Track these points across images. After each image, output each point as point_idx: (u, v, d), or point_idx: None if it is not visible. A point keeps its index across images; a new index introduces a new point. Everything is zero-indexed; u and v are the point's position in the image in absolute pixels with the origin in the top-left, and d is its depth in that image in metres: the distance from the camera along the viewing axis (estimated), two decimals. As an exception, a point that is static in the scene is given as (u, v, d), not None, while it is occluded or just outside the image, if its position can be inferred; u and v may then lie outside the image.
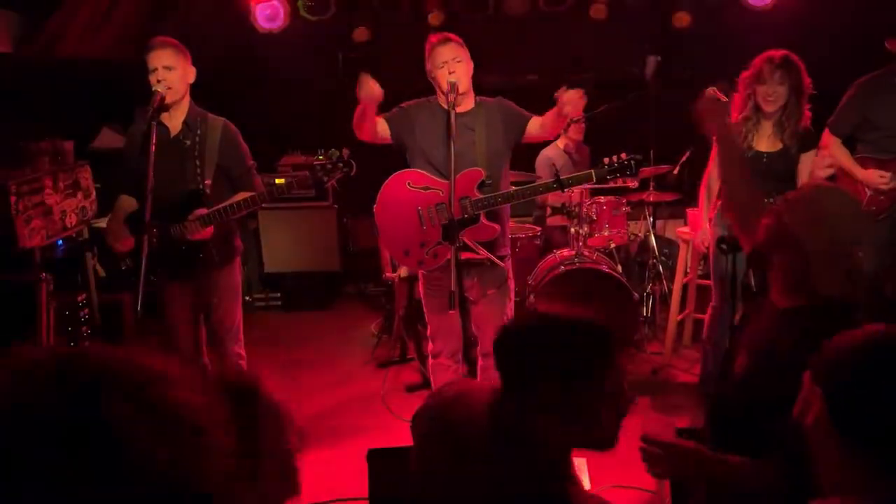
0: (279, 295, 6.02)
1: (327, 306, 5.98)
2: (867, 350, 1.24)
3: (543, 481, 1.52)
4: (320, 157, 3.07)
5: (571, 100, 3.13)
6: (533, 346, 1.52)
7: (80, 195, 4.82)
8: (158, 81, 3.10)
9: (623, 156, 3.14)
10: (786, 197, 2.01)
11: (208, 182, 3.20)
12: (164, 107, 3.14)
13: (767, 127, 3.65)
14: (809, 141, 3.68)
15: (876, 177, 3.92)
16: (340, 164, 3.04)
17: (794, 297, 1.93)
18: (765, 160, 3.62)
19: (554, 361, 1.48)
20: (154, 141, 3.02)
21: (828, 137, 4.01)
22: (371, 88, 3.17)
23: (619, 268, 4.62)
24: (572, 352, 1.48)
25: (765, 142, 3.66)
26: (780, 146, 3.64)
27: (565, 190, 3.17)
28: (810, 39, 5.34)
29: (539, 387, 1.49)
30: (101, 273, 5.02)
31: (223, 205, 3.14)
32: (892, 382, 1.18)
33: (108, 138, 5.28)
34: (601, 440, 1.56)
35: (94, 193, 4.94)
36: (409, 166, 3.45)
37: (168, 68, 3.11)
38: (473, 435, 1.59)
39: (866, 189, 3.99)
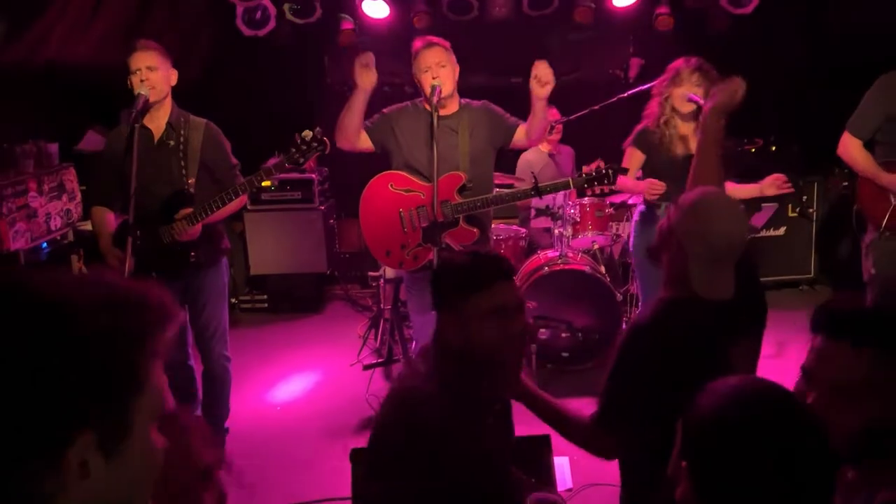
0: (265, 297, 6.02)
1: (314, 308, 5.99)
2: (730, 424, 1.11)
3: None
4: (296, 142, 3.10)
5: (540, 72, 3.17)
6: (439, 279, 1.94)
7: (64, 197, 4.82)
8: (142, 81, 3.12)
9: (601, 164, 3.17)
10: (676, 200, 2.12)
11: (192, 181, 3.22)
12: (146, 109, 3.16)
13: (684, 129, 3.62)
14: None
15: None
16: (314, 144, 3.07)
17: (674, 290, 2.07)
18: (687, 162, 3.46)
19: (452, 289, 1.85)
20: (137, 143, 3.05)
21: (848, 140, 3.74)
22: (372, 73, 3.24)
23: (602, 269, 4.66)
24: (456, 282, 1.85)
25: (681, 145, 3.62)
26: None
27: (542, 196, 3.21)
28: (790, 44, 5.44)
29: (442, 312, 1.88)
30: (87, 276, 5.01)
31: (207, 202, 3.15)
32: (758, 461, 1.07)
33: (94, 140, 5.28)
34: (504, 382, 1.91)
35: (78, 196, 4.94)
36: (392, 168, 3.49)
37: (151, 69, 3.14)
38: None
39: (891, 197, 3.65)
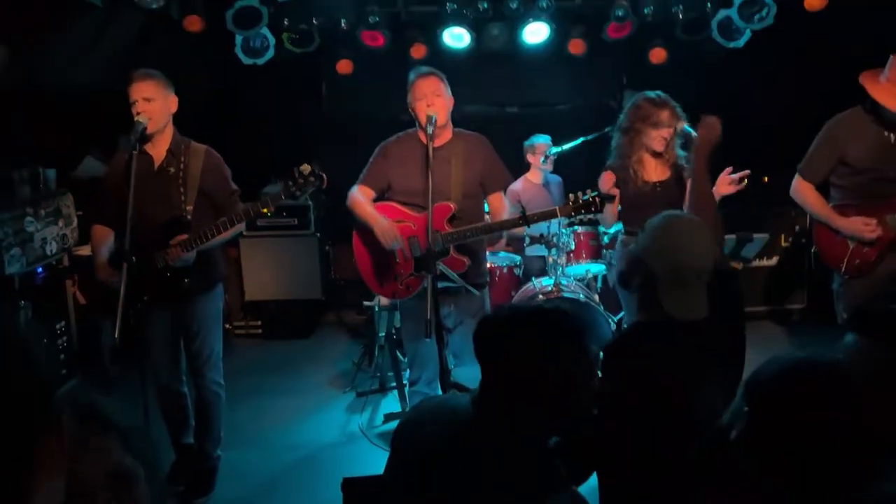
0: (259, 323, 6.02)
1: (308, 334, 5.98)
2: (787, 379, 1.35)
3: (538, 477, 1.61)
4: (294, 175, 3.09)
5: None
6: (506, 333, 1.66)
7: (61, 222, 4.83)
8: (138, 113, 3.15)
9: (589, 192, 3.15)
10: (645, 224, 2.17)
11: (189, 208, 3.24)
12: (146, 137, 3.19)
13: (649, 159, 3.62)
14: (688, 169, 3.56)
15: (860, 224, 3.49)
16: (311, 178, 3.07)
17: (647, 314, 2.12)
18: (658, 189, 3.58)
19: (525, 347, 1.62)
20: (135, 170, 3.07)
21: (800, 184, 3.69)
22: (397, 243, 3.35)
23: (597, 297, 4.68)
24: (541, 337, 1.62)
25: (652, 172, 3.61)
26: (668, 174, 3.62)
27: (530, 225, 3.23)
28: (783, 77, 5.52)
29: (513, 371, 1.62)
30: (82, 300, 5.00)
31: (203, 229, 3.16)
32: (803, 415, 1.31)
33: (91, 166, 5.31)
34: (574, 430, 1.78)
35: (75, 221, 4.95)
36: (389, 195, 3.52)
37: (147, 100, 3.17)
38: (446, 435, 1.68)
39: (848, 242, 3.56)
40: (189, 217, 3.22)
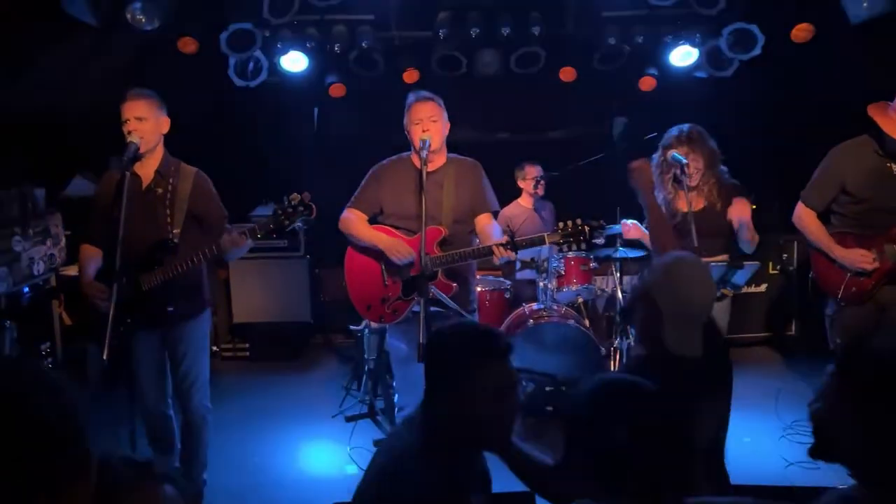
0: (247, 345, 5.97)
1: (297, 357, 5.94)
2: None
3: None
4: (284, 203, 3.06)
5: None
6: (442, 347, 1.89)
7: (49, 242, 4.80)
8: (129, 132, 3.12)
9: (578, 221, 3.16)
10: (652, 263, 2.26)
11: (176, 231, 3.19)
12: (137, 157, 3.17)
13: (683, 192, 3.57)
14: (733, 193, 3.61)
15: (858, 256, 3.53)
16: (301, 208, 3.04)
17: (646, 346, 2.23)
18: (689, 218, 3.49)
19: (458, 356, 1.83)
20: (126, 190, 3.02)
21: (801, 210, 3.73)
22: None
23: (587, 322, 4.68)
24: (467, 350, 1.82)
25: (684, 202, 3.52)
26: (702, 204, 3.62)
27: (518, 250, 3.23)
28: (771, 105, 5.60)
29: (445, 377, 1.85)
30: (68, 321, 4.96)
31: (179, 261, 3.12)
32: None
33: (80, 186, 5.29)
34: (497, 438, 1.92)
35: (63, 241, 4.93)
36: (382, 218, 3.53)
37: (139, 119, 3.14)
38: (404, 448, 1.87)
39: (846, 272, 3.59)
40: (176, 240, 3.18)
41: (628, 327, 3.67)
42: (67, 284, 4.85)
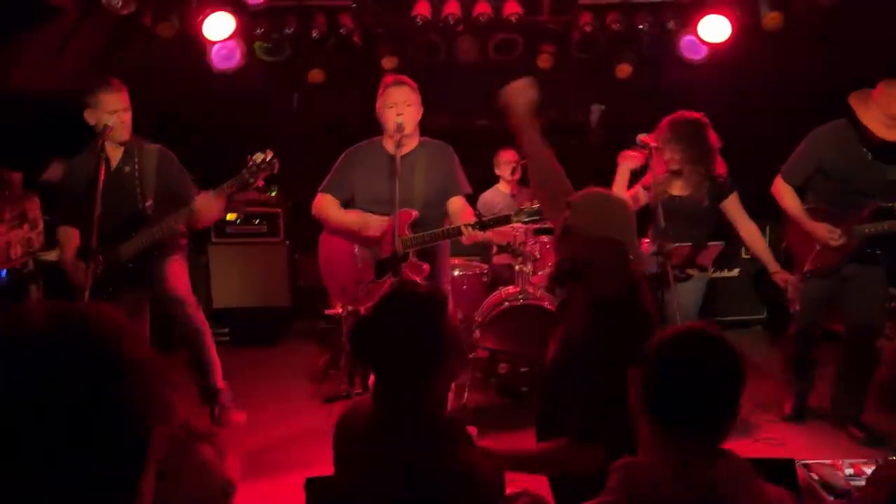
0: (227, 330, 5.99)
1: (276, 342, 5.98)
2: (667, 347, 1.53)
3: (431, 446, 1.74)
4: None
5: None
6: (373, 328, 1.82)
7: (26, 227, 4.79)
8: (122, 122, 3.38)
9: None
10: (571, 199, 2.22)
11: (149, 203, 3.43)
12: (111, 139, 3.39)
13: (673, 178, 3.79)
14: (725, 190, 3.78)
15: (825, 231, 3.78)
16: (263, 165, 3.29)
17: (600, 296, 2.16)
18: (676, 201, 3.75)
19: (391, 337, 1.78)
20: (102, 171, 3.28)
21: (780, 184, 3.97)
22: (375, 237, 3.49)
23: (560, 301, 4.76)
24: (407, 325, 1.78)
25: (677, 187, 3.79)
26: (686, 192, 3.78)
27: (486, 230, 3.33)
28: (746, 90, 5.68)
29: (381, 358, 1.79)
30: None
31: (151, 228, 3.41)
32: (671, 371, 1.50)
33: (58, 171, 5.27)
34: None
35: (41, 225, 4.91)
36: (355, 203, 3.58)
37: (126, 110, 3.39)
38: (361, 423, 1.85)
39: (815, 243, 3.86)
40: (148, 211, 3.44)
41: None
42: (46, 269, 4.85)
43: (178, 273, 3.69)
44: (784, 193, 3.95)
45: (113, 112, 3.36)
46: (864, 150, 3.75)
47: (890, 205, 3.77)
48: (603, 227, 2.13)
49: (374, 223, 3.39)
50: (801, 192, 3.99)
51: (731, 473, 1.46)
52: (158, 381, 0.89)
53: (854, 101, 3.69)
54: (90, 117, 3.37)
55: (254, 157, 3.33)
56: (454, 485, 1.69)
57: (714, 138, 3.74)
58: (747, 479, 1.49)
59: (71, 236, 3.51)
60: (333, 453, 1.95)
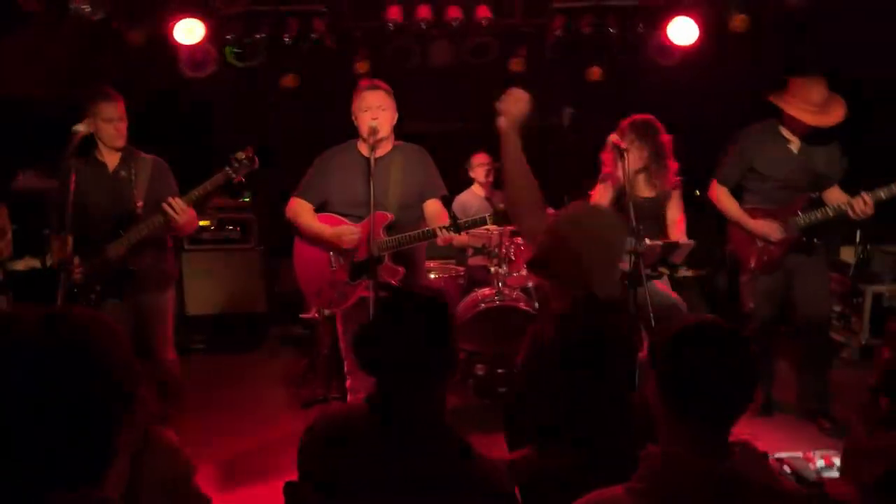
0: (202, 337, 5.95)
1: (252, 348, 5.95)
2: (684, 341, 1.53)
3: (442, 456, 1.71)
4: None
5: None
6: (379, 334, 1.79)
7: (-5, 235, 4.72)
8: (117, 130, 3.55)
9: None
10: (559, 214, 2.29)
11: (140, 203, 3.56)
12: (93, 145, 3.54)
13: (641, 179, 3.92)
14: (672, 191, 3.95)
15: (766, 227, 4.01)
16: (245, 162, 3.43)
17: (570, 300, 2.20)
18: (646, 205, 3.86)
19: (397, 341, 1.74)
20: (89, 176, 3.52)
21: (716, 188, 4.20)
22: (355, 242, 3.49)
23: (537, 305, 4.79)
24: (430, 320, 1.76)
25: (643, 188, 3.92)
26: (654, 193, 3.93)
27: (461, 232, 3.36)
28: (711, 93, 5.79)
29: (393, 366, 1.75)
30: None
31: (138, 226, 3.50)
32: (690, 364, 1.50)
33: (29, 179, 5.21)
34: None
35: (9, 234, 4.84)
36: (329, 206, 3.58)
37: (122, 119, 3.57)
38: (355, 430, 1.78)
39: (757, 241, 4.08)
40: (139, 212, 3.55)
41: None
42: (16, 279, 4.78)
43: (164, 306, 3.77)
44: (721, 196, 4.17)
45: (109, 121, 3.52)
46: (789, 146, 4.02)
47: (818, 194, 4.01)
48: (580, 241, 2.20)
49: (348, 237, 3.40)
50: (736, 195, 4.22)
51: (750, 461, 1.49)
52: (136, 381, 0.99)
53: (776, 99, 3.96)
54: (88, 125, 3.48)
55: (236, 155, 3.46)
56: (469, 493, 1.66)
57: (666, 138, 3.89)
58: (765, 466, 1.52)
59: (61, 243, 3.54)
60: (304, 461, 1.88)
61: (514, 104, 2.62)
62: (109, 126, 3.53)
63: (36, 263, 4.75)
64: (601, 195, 3.92)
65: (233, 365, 5.61)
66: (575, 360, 2.10)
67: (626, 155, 3.50)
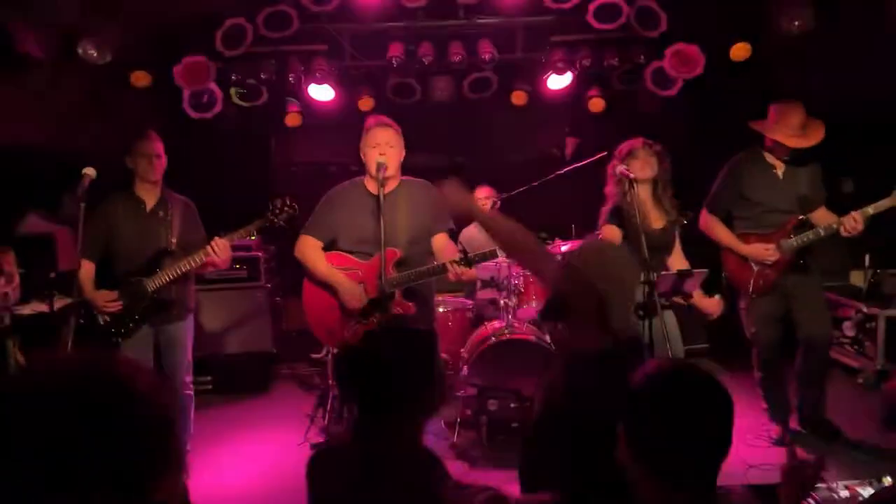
0: (210, 378, 5.89)
1: (261, 388, 5.89)
2: (646, 393, 1.49)
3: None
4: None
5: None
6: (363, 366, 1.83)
7: (2, 280, 4.70)
8: (153, 166, 3.84)
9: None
10: (572, 251, 2.28)
11: (174, 241, 3.85)
12: (129, 183, 3.91)
13: (647, 204, 3.93)
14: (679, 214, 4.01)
15: (760, 251, 4.11)
16: (287, 208, 3.58)
17: (592, 336, 2.18)
18: (657, 235, 3.89)
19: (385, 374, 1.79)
20: (121, 212, 3.85)
21: (707, 217, 4.29)
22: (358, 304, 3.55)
23: (548, 338, 4.76)
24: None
25: (653, 220, 3.94)
26: (664, 223, 3.96)
27: (473, 266, 3.34)
28: (712, 123, 5.81)
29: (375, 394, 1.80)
30: (23, 362, 4.85)
31: (177, 263, 3.76)
32: (659, 418, 1.44)
33: (35, 224, 5.22)
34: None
35: (17, 279, 4.82)
36: (338, 244, 3.57)
37: (159, 156, 3.88)
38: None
39: (753, 265, 4.18)
40: (174, 248, 3.84)
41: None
42: (23, 324, 4.75)
43: (187, 334, 4.03)
44: (713, 224, 4.28)
45: (146, 156, 3.80)
46: (775, 170, 4.18)
47: (807, 217, 4.14)
48: (597, 277, 2.19)
49: (352, 297, 3.42)
50: (727, 223, 4.33)
51: None
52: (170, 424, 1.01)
53: (759, 126, 4.15)
54: (128, 162, 3.82)
55: (274, 202, 3.63)
56: None
57: (667, 165, 3.98)
58: None
59: (87, 270, 3.80)
60: (309, 498, 1.90)
61: (455, 196, 2.65)
62: (148, 162, 3.81)
63: (43, 307, 4.71)
64: (612, 232, 3.88)
65: (241, 405, 5.55)
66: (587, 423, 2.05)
67: (636, 186, 3.50)
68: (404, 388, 1.79)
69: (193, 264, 3.72)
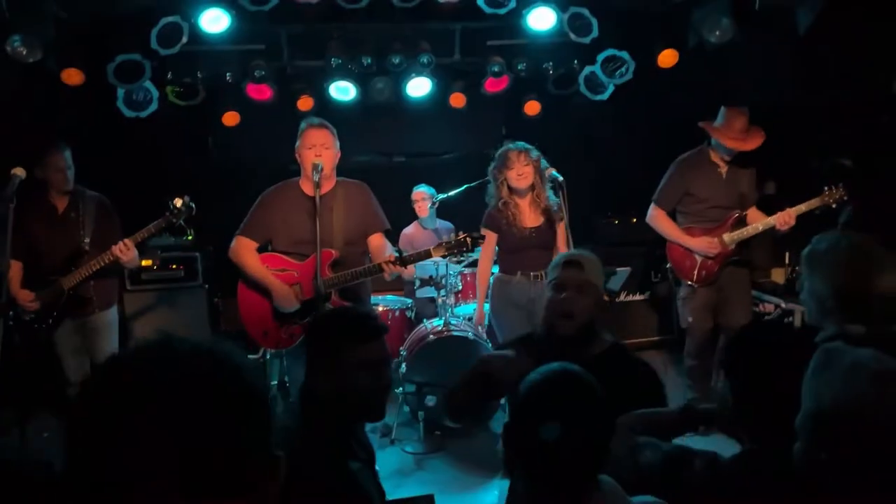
0: (146, 380, 5.80)
1: (198, 389, 5.82)
2: (523, 396, 1.57)
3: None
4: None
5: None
6: (325, 330, 2.09)
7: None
8: (65, 178, 3.97)
9: (461, 234, 3.48)
10: (576, 259, 2.41)
11: (87, 240, 4.00)
12: (43, 187, 3.98)
13: (525, 206, 4.16)
14: (558, 213, 4.14)
15: (706, 243, 4.43)
16: (183, 209, 3.72)
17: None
18: (533, 234, 4.13)
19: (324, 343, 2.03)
20: (35, 216, 3.95)
21: (654, 211, 4.58)
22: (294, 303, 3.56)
23: (485, 334, 4.87)
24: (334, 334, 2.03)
25: (528, 219, 4.16)
26: (541, 221, 4.16)
27: (407, 266, 3.45)
28: (644, 125, 6.03)
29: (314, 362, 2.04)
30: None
31: (89, 262, 3.91)
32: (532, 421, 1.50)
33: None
34: (373, 410, 2.08)
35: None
36: (274, 246, 3.60)
37: (70, 168, 3.98)
38: None
39: (696, 256, 4.47)
40: (87, 248, 3.99)
41: None
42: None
43: (112, 331, 4.18)
44: (660, 218, 4.57)
45: (60, 170, 3.92)
46: (719, 169, 4.46)
47: (745, 213, 4.48)
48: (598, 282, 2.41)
49: (285, 299, 3.46)
50: (671, 217, 4.61)
51: None
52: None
53: (706, 126, 4.42)
54: (38, 173, 3.91)
55: (173, 202, 3.72)
56: None
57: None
58: None
59: (16, 269, 3.94)
60: None
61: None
62: (59, 175, 3.94)
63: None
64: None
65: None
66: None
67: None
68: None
69: (104, 262, 3.87)
